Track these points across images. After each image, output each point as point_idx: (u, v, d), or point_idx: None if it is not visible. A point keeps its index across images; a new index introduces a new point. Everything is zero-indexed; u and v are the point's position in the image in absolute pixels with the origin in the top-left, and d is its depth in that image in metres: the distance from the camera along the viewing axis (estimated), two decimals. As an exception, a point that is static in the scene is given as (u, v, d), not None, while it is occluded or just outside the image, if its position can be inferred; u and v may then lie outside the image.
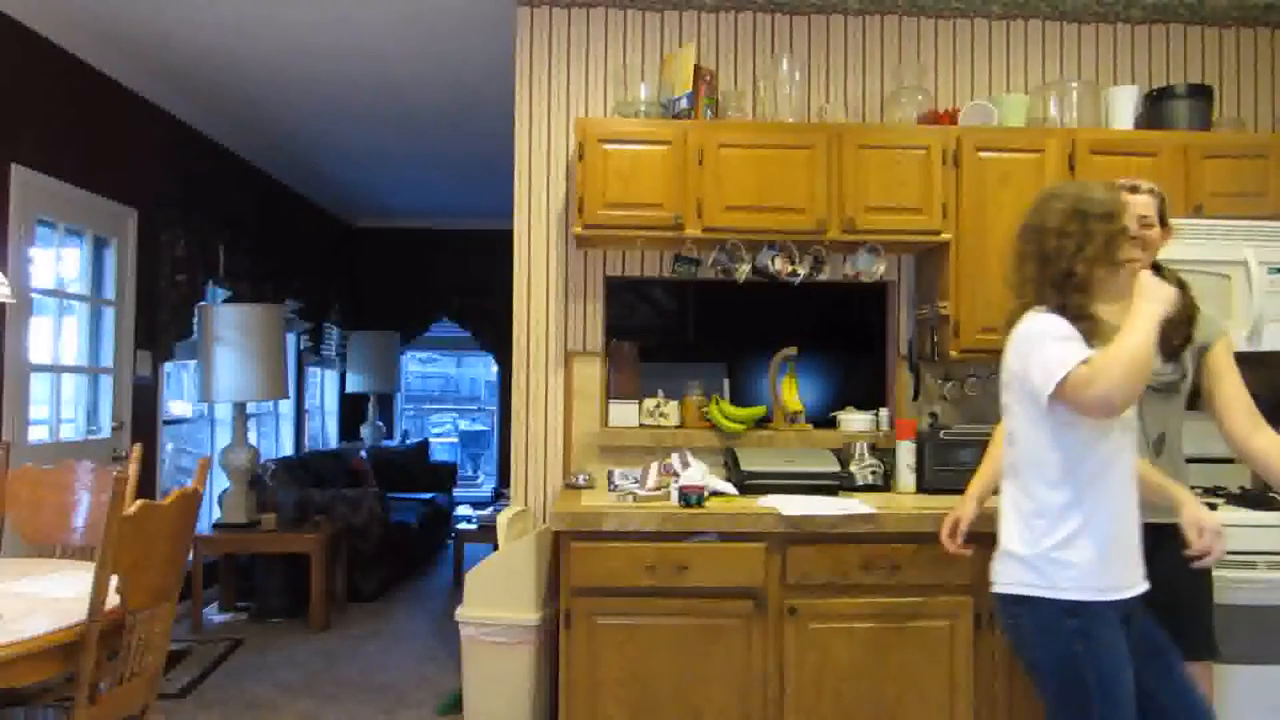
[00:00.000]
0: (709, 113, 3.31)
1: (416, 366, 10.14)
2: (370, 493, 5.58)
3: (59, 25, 3.96)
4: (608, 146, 3.15)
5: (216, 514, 5.24)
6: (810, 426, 3.52)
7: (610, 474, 3.28)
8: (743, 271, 3.31)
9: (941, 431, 3.31)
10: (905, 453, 3.26)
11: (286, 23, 3.98)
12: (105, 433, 4.44)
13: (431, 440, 9.21)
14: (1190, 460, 3.44)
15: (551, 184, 3.58)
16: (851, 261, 3.40)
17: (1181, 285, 2.33)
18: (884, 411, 3.54)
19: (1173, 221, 3.18)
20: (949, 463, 3.26)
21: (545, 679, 3.18)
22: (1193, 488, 3.32)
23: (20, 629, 2.14)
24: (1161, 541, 2.15)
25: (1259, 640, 2.76)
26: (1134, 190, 2.38)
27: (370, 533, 5.43)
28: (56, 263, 4.22)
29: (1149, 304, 1.93)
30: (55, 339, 4.18)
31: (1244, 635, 2.74)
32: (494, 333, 8.11)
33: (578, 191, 3.16)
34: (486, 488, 9.37)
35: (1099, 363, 1.88)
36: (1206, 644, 2.42)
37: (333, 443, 7.91)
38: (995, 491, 2.36)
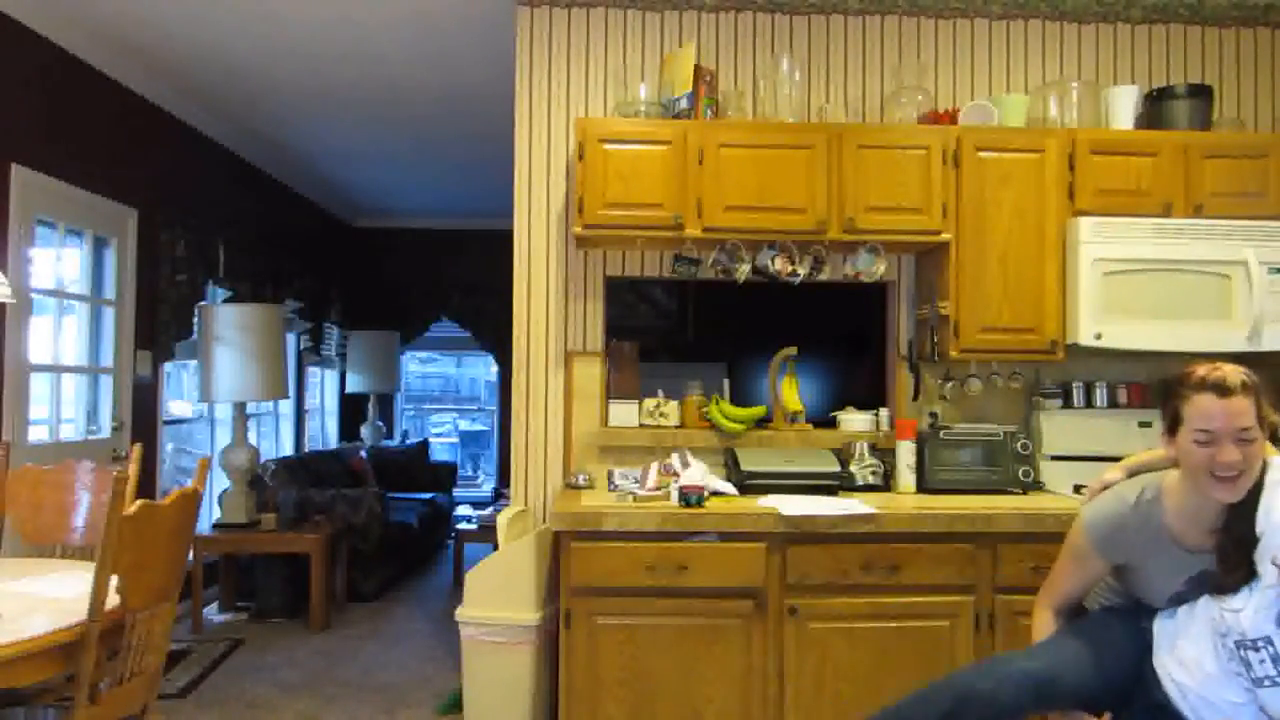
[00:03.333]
0: (709, 113, 3.31)
1: (416, 366, 10.13)
2: (370, 493, 5.58)
3: (59, 25, 3.96)
4: (608, 146, 3.15)
5: (216, 514, 5.24)
6: (810, 426, 3.52)
7: (610, 474, 3.28)
8: (743, 271, 3.31)
9: (941, 431, 3.31)
10: (905, 453, 3.26)
11: (287, 22, 3.98)
12: (105, 433, 4.44)
13: (431, 440, 9.21)
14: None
15: (551, 184, 3.58)
16: (851, 261, 3.40)
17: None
18: (884, 411, 3.54)
19: (1179, 222, 3.17)
20: (949, 463, 3.27)
21: (545, 679, 3.18)
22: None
23: (20, 629, 2.14)
24: None
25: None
26: (1222, 392, 1.87)
27: (370, 533, 5.43)
28: (56, 263, 4.21)
29: None
30: (55, 339, 4.18)
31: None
32: (494, 333, 8.11)
33: (578, 191, 3.16)
34: (486, 488, 9.37)
35: None
36: None
37: (333, 443, 7.90)
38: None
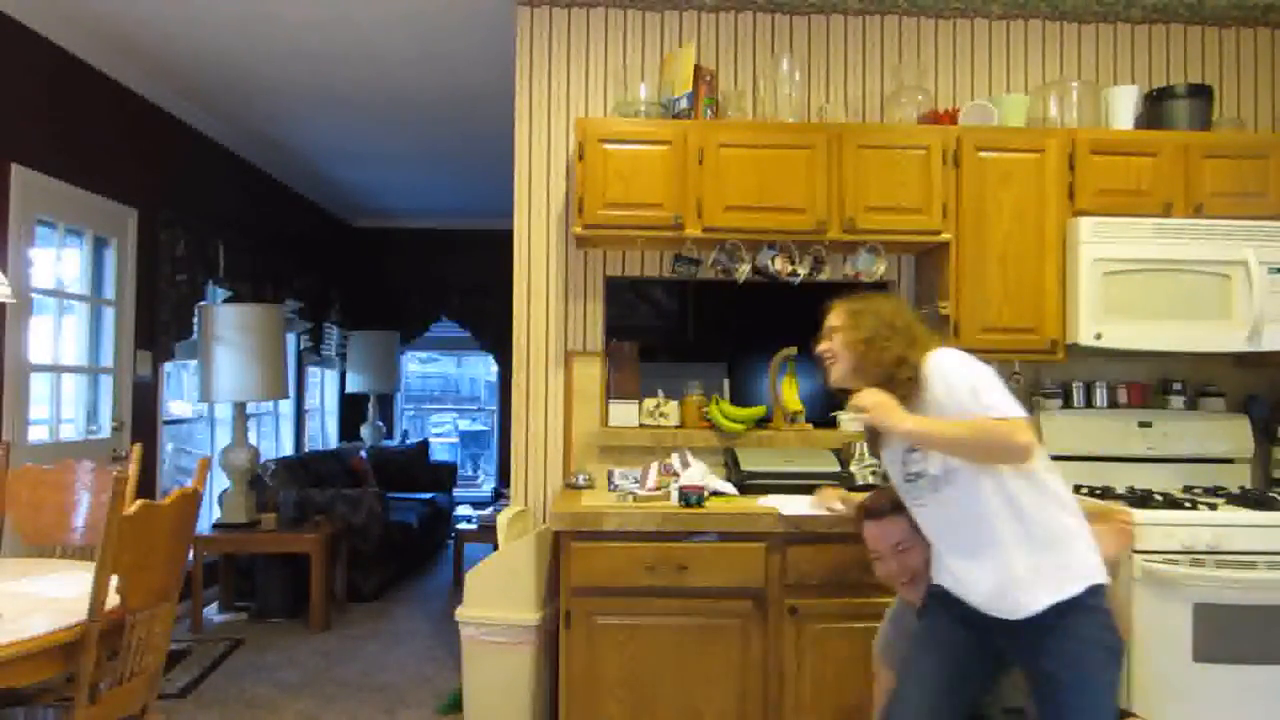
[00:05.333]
0: (709, 113, 3.31)
1: (416, 366, 10.13)
2: (370, 493, 5.58)
3: (59, 25, 3.96)
4: (608, 146, 3.15)
5: (216, 514, 5.24)
6: (810, 426, 3.52)
7: (610, 474, 3.28)
8: (743, 271, 3.31)
9: (941, 431, 3.30)
10: (905, 453, 3.26)
11: (286, 22, 3.98)
12: (105, 433, 4.44)
13: (431, 440, 9.21)
14: (1191, 460, 3.46)
15: (551, 184, 3.58)
16: (851, 261, 3.40)
17: None
18: (884, 411, 3.53)
19: (1179, 222, 3.18)
20: (949, 463, 3.26)
21: (545, 679, 3.18)
22: (1190, 488, 3.33)
23: (20, 629, 2.15)
24: None
25: (1259, 640, 2.75)
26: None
27: (370, 533, 5.43)
28: (56, 263, 4.21)
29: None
30: (55, 339, 4.18)
31: (1244, 635, 2.74)
32: (494, 333, 8.11)
33: (578, 191, 3.16)
34: (486, 488, 9.36)
35: None
36: None
37: (333, 443, 7.90)
38: None
